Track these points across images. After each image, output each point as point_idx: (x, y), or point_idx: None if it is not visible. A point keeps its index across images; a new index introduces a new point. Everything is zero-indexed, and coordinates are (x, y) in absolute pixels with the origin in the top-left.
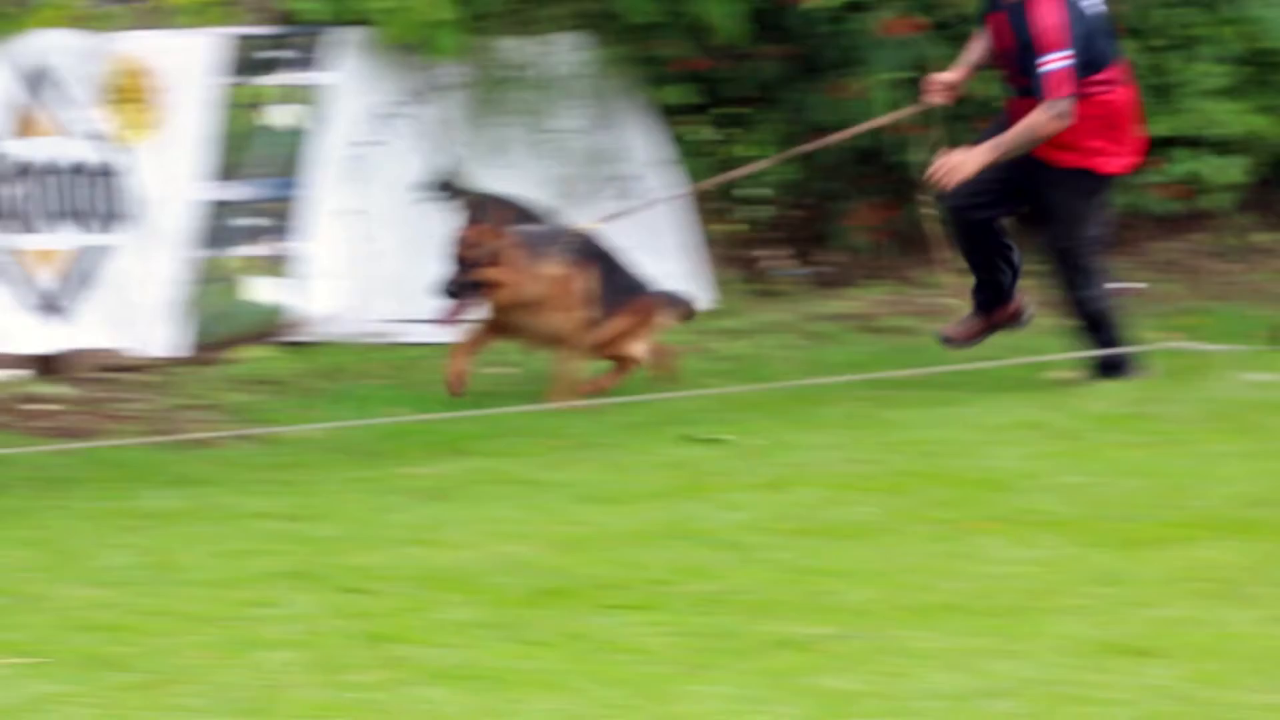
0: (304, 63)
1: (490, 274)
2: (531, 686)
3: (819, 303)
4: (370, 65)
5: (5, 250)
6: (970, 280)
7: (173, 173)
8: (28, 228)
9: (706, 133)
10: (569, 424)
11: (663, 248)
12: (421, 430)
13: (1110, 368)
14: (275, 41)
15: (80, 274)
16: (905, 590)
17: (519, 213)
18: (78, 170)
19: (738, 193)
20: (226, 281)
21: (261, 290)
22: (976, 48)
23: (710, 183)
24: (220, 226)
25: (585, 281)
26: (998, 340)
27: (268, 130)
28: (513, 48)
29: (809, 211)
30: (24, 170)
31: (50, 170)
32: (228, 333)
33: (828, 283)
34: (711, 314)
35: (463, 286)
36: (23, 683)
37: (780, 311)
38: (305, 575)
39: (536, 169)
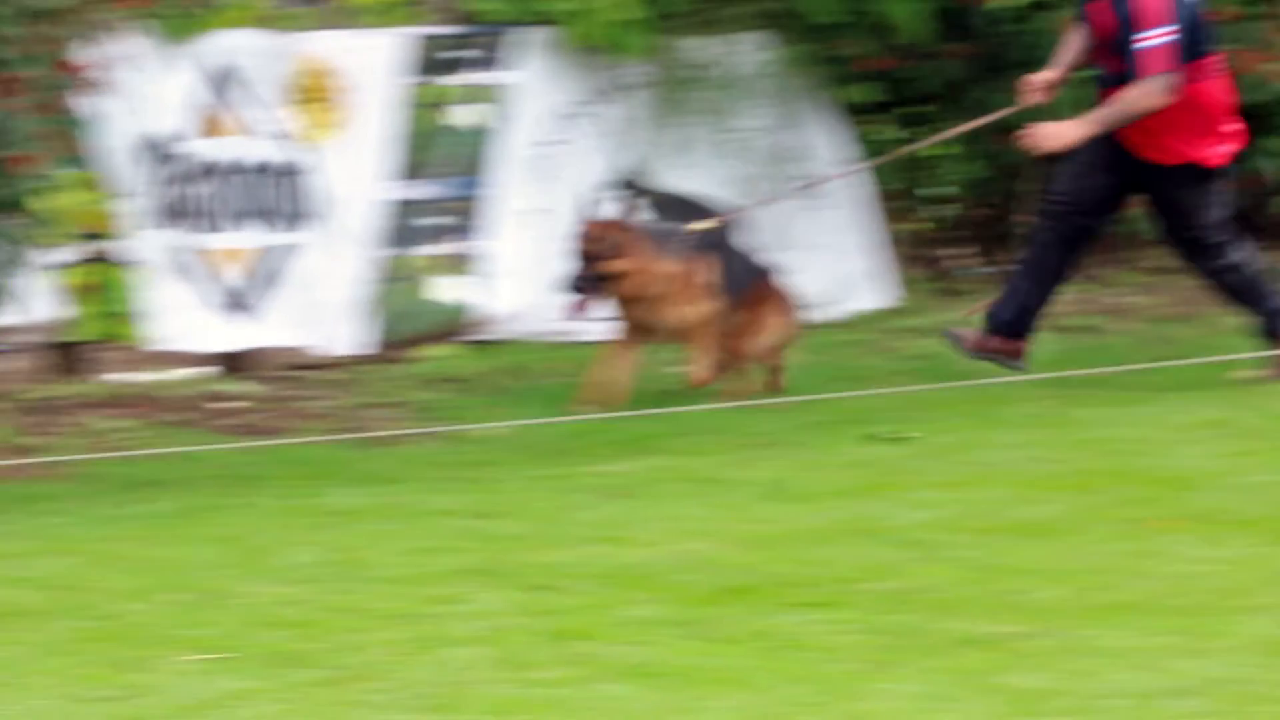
0: (488, 62)
1: (614, 267)
2: (716, 684)
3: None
4: (554, 65)
5: (192, 249)
6: (1000, 293)
7: (357, 172)
8: (214, 227)
9: (890, 132)
10: (754, 422)
11: (848, 246)
12: (606, 428)
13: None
14: (459, 41)
15: (266, 272)
16: (1092, 589)
17: (700, 212)
18: (263, 170)
19: (923, 192)
20: (411, 280)
21: (446, 289)
22: (1072, 47)
23: (828, 177)
24: (405, 225)
25: (707, 274)
26: (1184, 339)
27: (452, 130)
28: (696, 47)
29: (994, 210)
30: (210, 170)
31: (236, 169)
32: (412, 331)
33: None
34: (896, 312)
35: (587, 281)
36: (210, 679)
37: (965, 310)
38: (491, 572)
39: (720, 168)
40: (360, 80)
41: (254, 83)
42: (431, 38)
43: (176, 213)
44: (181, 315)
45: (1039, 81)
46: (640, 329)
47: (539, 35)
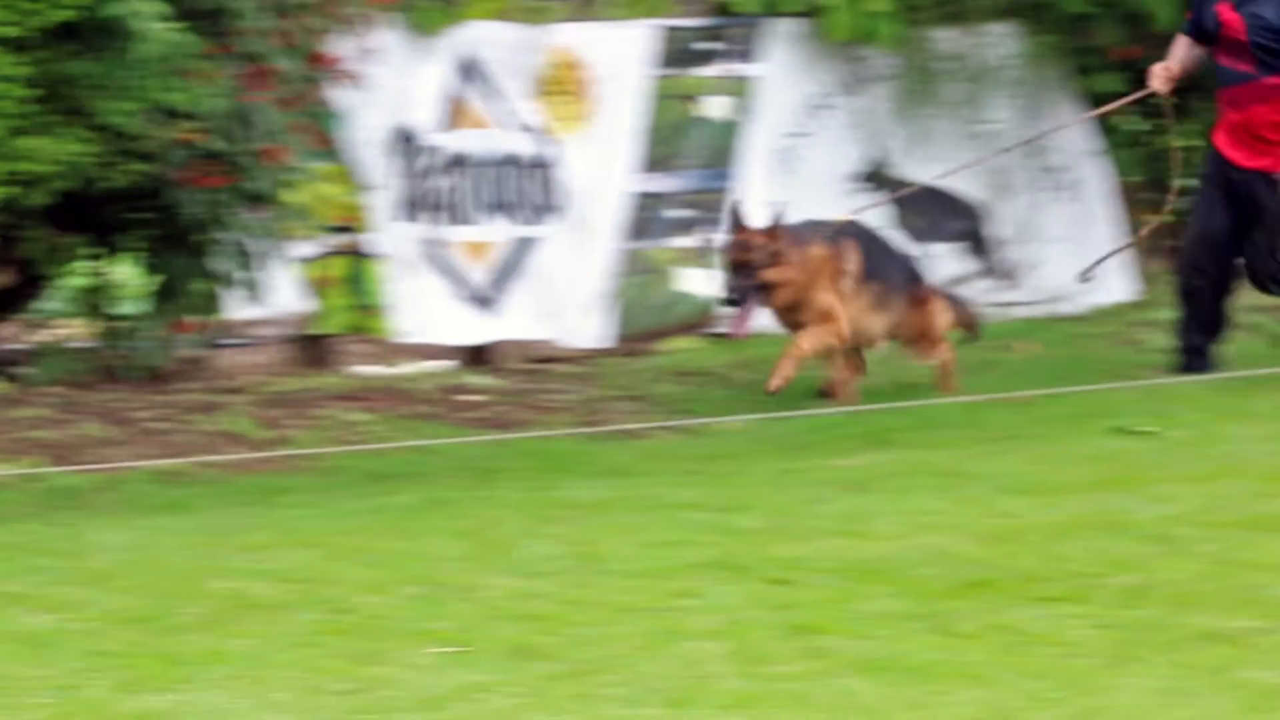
0: (735, 54)
1: (771, 275)
2: (954, 678)
3: (1249, 294)
4: (800, 56)
5: (438, 242)
6: (1179, 357)
7: (603, 164)
8: (460, 220)
9: (1134, 122)
10: (994, 416)
11: (1092, 239)
12: (846, 422)
13: None
14: (707, 33)
15: (510, 266)
16: None
17: (946, 204)
18: (509, 162)
19: (1173, 184)
20: (656, 273)
21: (691, 282)
22: (1182, 47)
23: (1011, 148)
24: (650, 218)
25: (848, 261)
26: None
27: (699, 122)
28: (944, 38)
29: None
30: (458, 162)
31: (483, 162)
32: (656, 324)
33: None
34: (1139, 305)
35: (745, 292)
36: (449, 671)
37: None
38: (730, 566)
39: (965, 160)
40: (608, 72)
41: (502, 75)
42: (679, 29)
43: (424, 205)
44: (427, 308)
45: (1161, 70)
46: (797, 327)
47: (785, 27)
